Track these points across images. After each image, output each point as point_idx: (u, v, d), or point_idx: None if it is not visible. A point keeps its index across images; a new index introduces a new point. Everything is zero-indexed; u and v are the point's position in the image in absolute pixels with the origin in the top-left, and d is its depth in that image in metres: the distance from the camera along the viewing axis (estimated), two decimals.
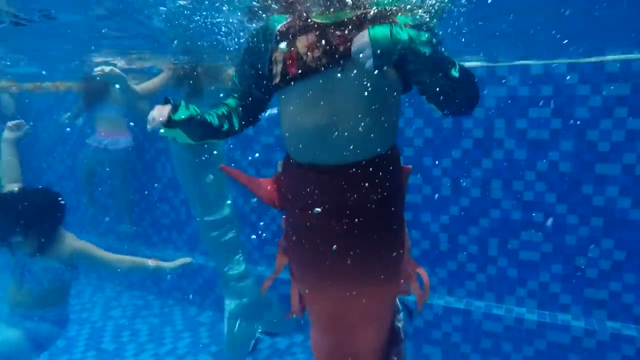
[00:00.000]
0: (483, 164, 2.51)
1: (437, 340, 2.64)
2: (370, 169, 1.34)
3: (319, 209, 1.38)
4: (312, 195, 1.39)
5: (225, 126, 1.44)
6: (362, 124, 1.29)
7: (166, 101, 1.29)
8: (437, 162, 2.61)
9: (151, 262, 2.12)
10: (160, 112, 1.26)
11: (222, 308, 3.26)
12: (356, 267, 1.41)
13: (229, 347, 2.62)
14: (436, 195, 2.64)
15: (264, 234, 3.25)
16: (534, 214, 2.44)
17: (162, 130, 1.27)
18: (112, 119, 3.51)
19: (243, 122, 1.50)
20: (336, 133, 1.29)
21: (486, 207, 2.54)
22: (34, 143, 4.33)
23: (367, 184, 1.36)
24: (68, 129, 3.97)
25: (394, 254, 1.47)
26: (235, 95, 1.48)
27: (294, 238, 1.51)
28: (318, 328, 1.55)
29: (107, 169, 3.54)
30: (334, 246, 1.40)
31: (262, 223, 3.24)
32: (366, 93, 1.28)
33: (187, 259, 2.23)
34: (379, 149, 1.35)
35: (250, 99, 1.47)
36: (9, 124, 2.17)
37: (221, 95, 2.64)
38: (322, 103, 1.28)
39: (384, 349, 1.58)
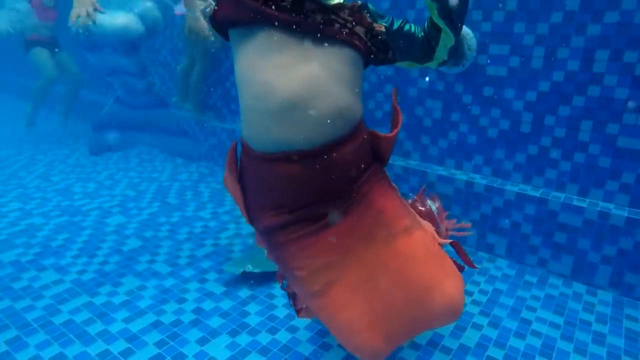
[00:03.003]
0: (588, 30, 2.10)
1: (503, 229, 2.41)
2: (348, 147, 1.17)
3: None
4: (282, 194, 1.19)
5: None
6: (339, 93, 1.13)
7: None
8: (530, 28, 2.24)
9: None
10: None
11: None
12: (359, 236, 1.23)
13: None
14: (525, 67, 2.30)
15: None
16: None
17: None
18: None
19: None
20: (314, 104, 1.09)
21: (584, 82, 2.15)
22: None
23: (343, 166, 1.18)
24: None
25: (395, 201, 1.30)
26: None
27: (270, 243, 1.28)
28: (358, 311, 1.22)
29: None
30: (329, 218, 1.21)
31: None
32: (342, 63, 1.14)
33: None
34: (353, 122, 1.19)
35: None
36: None
37: None
38: (294, 61, 1.09)
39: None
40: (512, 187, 2.36)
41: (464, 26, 2.32)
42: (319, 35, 1.11)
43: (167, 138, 2.90)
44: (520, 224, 2.35)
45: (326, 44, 1.11)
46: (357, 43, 1.17)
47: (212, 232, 2.59)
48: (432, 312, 1.22)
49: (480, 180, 2.45)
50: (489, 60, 2.37)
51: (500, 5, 2.28)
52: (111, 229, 2.58)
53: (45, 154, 3.83)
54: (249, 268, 2.10)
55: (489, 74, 2.38)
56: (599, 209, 2.14)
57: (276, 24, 1.07)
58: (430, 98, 2.59)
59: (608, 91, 2.11)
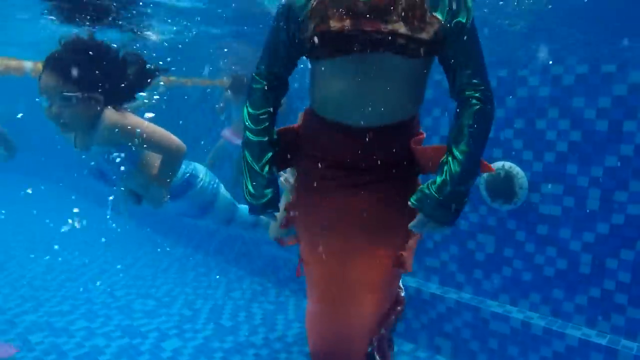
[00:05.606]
0: None
1: None
2: (390, 133, 1.44)
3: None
4: (329, 147, 1.48)
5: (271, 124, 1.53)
6: (392, 96, 1.37)
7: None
8: (584, 171, 2.23)
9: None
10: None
11: None
12: (362, 221, 1.48)
13: None
14: (581, 209, 2.26)
15: None
16: None
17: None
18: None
19: (279, 97, 1.56)
20: (365, 102, 1.36)
21: None
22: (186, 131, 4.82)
23: (383, 144, 1.45)
24: (222, 117, 4.31)
25: (401, 218, 1.49)
26: (261, 81, 1.50)
27: (303, 186, 1.59)
28: (315, 297, 1.57)
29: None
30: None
31: None
32: (399, 71, 1.34)
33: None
34: (402, 117, 1.44)
35: (283, 69, 1.52)
36: None
37: None
38: (355, 75, 1.34)
39: (378, 327, 1.59)
40: (575, 332, 2.24)
41: (514, 165, 2.37)
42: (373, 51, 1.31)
43: None
44: None
45: (382, 57, 1.32)
46: (411, 49, 1.30)
47: None
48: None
49: (538, 320, 2.34)
50: (541, 199, 2.36)
51: (551, 145, 2.31)
52: (167, 354, 2.65)
53: (112, 264, 4.08)
54: None
55: (542, 212, 2.36)
56: None
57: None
58: (481, 232, 2.58)
59: None
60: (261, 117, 1.49)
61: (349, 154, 1.45)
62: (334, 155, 1.48)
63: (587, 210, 2.24)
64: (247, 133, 1.52)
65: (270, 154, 1.51)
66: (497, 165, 2.43)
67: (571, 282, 2.31)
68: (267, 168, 1.50)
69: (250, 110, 1.52)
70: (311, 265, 1.59)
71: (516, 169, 2.39)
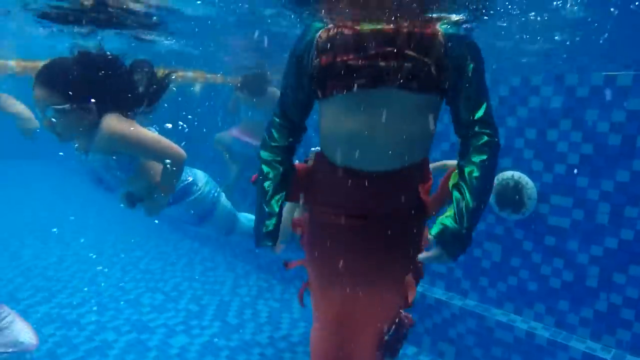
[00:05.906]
0: None
1: None
2: (400, 177, 1.43)
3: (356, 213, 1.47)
4: (340, 195, 1.48)
5: (285, 163, 1.55)
6: (401, 137, 1.34)
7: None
8: (594, 184, 2.21)
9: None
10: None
11: None
12: (371, 270, 1.51)
13: None
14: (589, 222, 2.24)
15: None
16: None
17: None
18: (255, 122, 3.77)
19: (295, 137, 1.57)
20: (374, 145, 1.35)
21: None
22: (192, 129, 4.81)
23: (393, 191, 1.44)
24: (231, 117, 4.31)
25: (408, 264, 1.54)
26: (276, 119, 1.54)
27: (315, 233, 1.61)
28: (321, 326, 1.60)
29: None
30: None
31: None
32: (407, 109, 1.32)
33: None
34: (412, 160, 1.43)
35: (294, 113, 1.52)
36: None
37: None
38: (362, 114, 1.32)
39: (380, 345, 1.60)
40: (579, 344, 2.24)
41: (524, 175, 2.36)
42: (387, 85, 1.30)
43: None
44: None
45: (390, 93, 1.30)
46: (423, 85, 1.30)
47: None
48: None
49: (542, 331, 2.35)
50: (550, 211, 2.34)
51: (562, 157, 2.28)
52: (174, 351, 2.70)
53: (121, 256, 4.14)
54: None
55: (551, 223, 2.35)
56: None
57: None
58: (488, 241, 2.57)
59: None
60: (276, 149, 1.54)
61: (360, 202, 1.47)
62: (345, 204, 1.49)
63: (596, 224, 2.22)
64: (262, 165, 1.55)
65: (277, 185, 1.53)
66: (506, 174, 2.41)
67: (577, 295, 2.30)
68: (273, 201, 1.53)
69: (267, 139, 1.56)
70: (318, 296, 1.62)
71: (525, 179, 2.36)
